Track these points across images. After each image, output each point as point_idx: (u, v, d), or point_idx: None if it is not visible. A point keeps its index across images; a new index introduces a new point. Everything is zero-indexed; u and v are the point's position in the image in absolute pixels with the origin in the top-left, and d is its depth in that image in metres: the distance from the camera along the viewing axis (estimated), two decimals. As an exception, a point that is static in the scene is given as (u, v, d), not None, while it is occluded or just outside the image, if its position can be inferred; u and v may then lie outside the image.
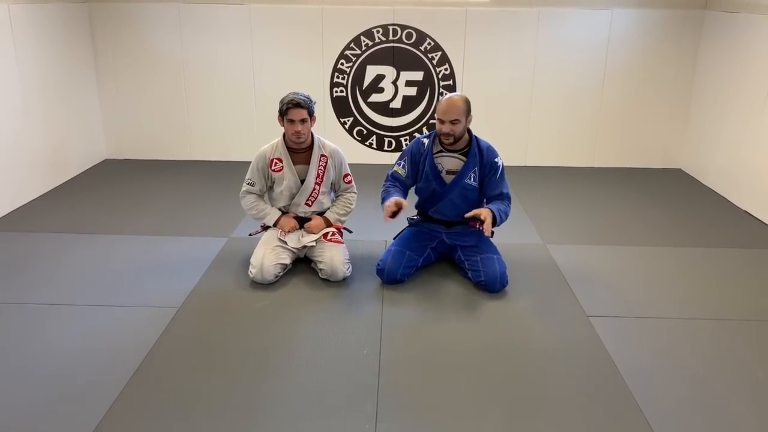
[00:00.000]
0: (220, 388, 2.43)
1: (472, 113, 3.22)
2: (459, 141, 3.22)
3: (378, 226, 3.97)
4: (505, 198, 3.31)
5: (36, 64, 4.62)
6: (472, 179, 3.26)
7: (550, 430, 2.24)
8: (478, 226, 3.11)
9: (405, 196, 3.36)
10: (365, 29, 5.34)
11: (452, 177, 3.28)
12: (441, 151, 3.29)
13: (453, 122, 3.11)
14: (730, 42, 4.88)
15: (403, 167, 3.35)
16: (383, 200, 3.26)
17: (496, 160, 3.27)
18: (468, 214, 3.13)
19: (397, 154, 5.56)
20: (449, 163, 3.29)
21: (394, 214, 3.08)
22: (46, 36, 4.74)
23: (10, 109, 4.35)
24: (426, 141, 3.31)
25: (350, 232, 3.64)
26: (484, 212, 3.08)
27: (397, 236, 3.52)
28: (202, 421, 2.25)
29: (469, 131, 3.27)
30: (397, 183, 3.36)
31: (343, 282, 3.32)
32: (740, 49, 4.73)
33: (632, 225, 4.26)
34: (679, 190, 5.08)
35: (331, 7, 5.28)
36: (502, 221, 3.24)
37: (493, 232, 3.48)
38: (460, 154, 3.27)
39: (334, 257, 3.29)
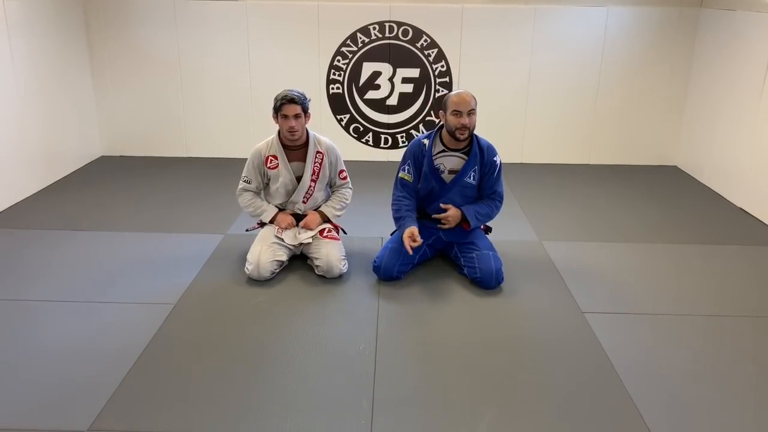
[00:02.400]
0: (216, 385, 2.43)
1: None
2: (470, 137, 3.23)
3: (374, 223, 3.98)
4: (497, 197, 3.34)
5: (31, 60, 4.61)
6: (471, 178, 3.28)
7: (545, 425, 2.25)
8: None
9: (415, 202, 3.39)
10: (361, 26, 5.34)
11: (453, 176, 3.29)
12: (443, 151, 3.29)
13: (470, 113, 3.13)
14: (725, 39, 4.90)
15: (408, 172, 3.35)
16: (397, 219, 3.34)
17: (495, 158, 3.28)
18: (438, 216, 3.28)
19: (394, 152, 5.63)
20: (451, 162, 3.29)
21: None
22: (41, 33, 4.72)
23: (5, 106, 4.34)
24: (426, 141, 3.30)
25: (345, 233, 3.63)
26: (451, 212, 3.25)
27: (393, 233, 3.53)
28: (198, 418, 2.25)
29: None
30: (406, 193, 3.36)
31: (339, 278, 3.32)
32: (736, 46, 4.75)
33: (628, 222, 4.28)
34: (674, 187, 5.09)
35: (328, 4, 5.28)
36: (479, 222, 3.31)
37: (490, 229, 3.52)
38: (462, 153, 3.28)
39: (330, 254, 3.29)
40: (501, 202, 3.37)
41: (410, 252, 3.15)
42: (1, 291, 3.16)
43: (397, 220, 3.36)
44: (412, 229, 3.19)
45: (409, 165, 3.35)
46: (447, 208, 3.26)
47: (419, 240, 3.17)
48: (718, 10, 5.01)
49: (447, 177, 3.31)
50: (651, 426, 2.24)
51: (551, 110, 5.55)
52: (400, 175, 3.39)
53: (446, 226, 3.29)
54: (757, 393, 2.45)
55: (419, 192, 3.40)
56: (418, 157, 3.33)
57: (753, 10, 4.54)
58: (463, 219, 3.29)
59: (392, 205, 3.39)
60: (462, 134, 3.16)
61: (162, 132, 5.65)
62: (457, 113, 3.12)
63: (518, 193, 4.81)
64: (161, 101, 5.54)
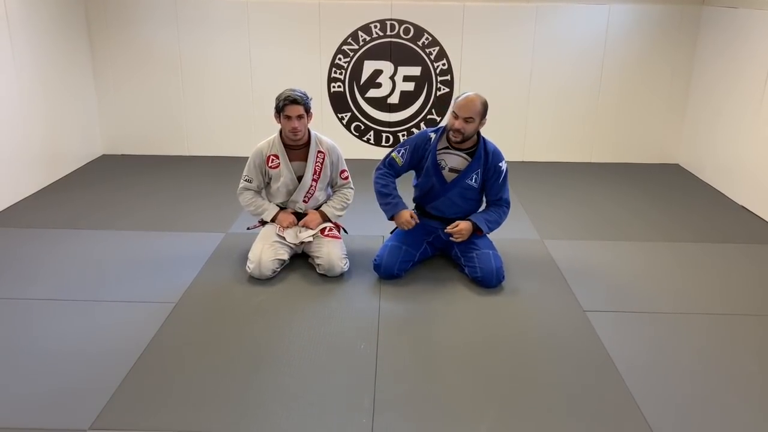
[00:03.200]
0: (217, 383, 2.43)
1: (487, 117, 3.21)
2: (467, 141, 3.20)
3: (375, 222, 3.97)
4: (503, 204, 3.33)
5: (33, 59, 4.61)
6: (473, 180, 3.26)
7: (547, 424, 2.24)
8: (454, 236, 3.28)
9: (395, 182, 3.40)
10: (363, 24, 5.33)
11: (454, 175, 3.28)
12: (446, 148, 3.28)
13: (467, 120, 3.09)
14: (727, 37, 4.88)
15: (401, 156, 3.33)
16: (384, 195, 3.32)
17: (500, 164, 3.26)
18: (448, 229, 3.25)
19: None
20: (454, 161, 3.28)
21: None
22: (42, 31, 4.72)
23: (6, 104, 4.34)
24: (433, 136, 3.29)
25: (346, 232, 3.63)
26: (462, 225, 3.22)
27: (393, 231, 3.52)
28: (199, 416, 2.25)
29: (478, 133, 3.26)
30: (391, 171, 3.36)
31: (340, 277, 3.32)
32: (738, 44, 4.73)
33: (629, 220, 4.27)
34: (676, 186, 5.08)
35: (329, 2, 5.27)
36: (490, 230, 3.31)
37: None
38: (467, 153, 3.27)
39: (331, 252, 3.29)
40: (508, 208, 3.36)
41: (413, 224, 3.22)
42: (2, 289, 3.17)
43: (384, 195, 3.32)
44: (410, 212, 3.27)
45: (405, 150, 3.32)
46: (456, 224, 3.23)
47: (416, 219, 3.25)
48: (720, 7, 5.00)
49: (448, 175, 3.29)
50: (652, 425, 2.23)
51: (553, 108, 5.55)
52: (392, 155, 3.35)
53: (459, 240, 3.25)
54: (759, 392, 2.45)
55: (420, 187, 3.39)
56: (420, 149, 3.31)
57: (755, 8, 4.53)
58: (475, 228, 3.28)
59: (377, 178, 3.36)
60: (455, 137, 3.15)
61: (163, 131, 5.65)
62: (455, 115, 3.12)
63: (519, 191, 4.81)
64: (162, 100, 5.54)
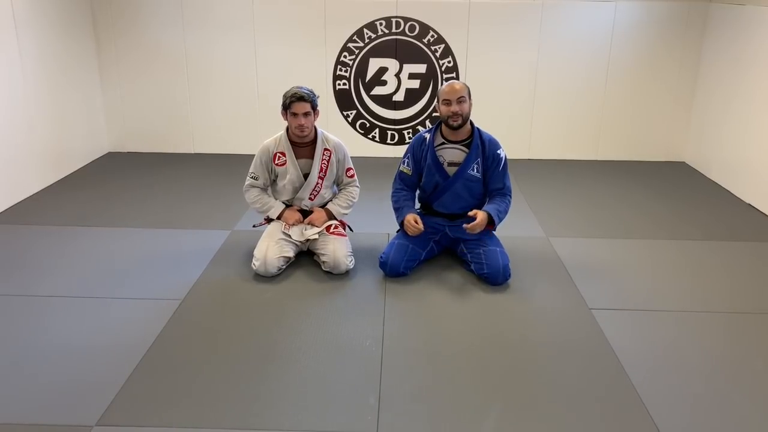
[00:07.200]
0: (223, 381, 2.44)
1: (474, 104, 3.26)
2: (464, 125, 3.22)
3: (381, 219, 3.98)
4: (506, 191, 3.35)
5: (39, 57, 4.62)
6: (475, 170, 3.27)
7: (552, 422, 2.24)
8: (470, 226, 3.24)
9: (415, 195, 3.47)
10: (368, 21, 5.33)
11: (455, 169, 3.29)
12: (443, 144, 3.30)
13: (460, 100, 3.14)
14: (734, 34, 4.86)
15: (408, 165, 3.39)
16: (396, 210, 3.42)
17: (498, 151, 3.28)
18: (468, 222, 3.23)
19: (400, 147, 5.62)
20: (451, 154, 3.29)
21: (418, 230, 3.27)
22: (49, 29, 4.73)
23: (13, 101, 4.35)
24: (427, 135, 3.33)
25: (351, 230, 3.63)
26: (479, 215, 3.20)
27: (399, 230, 3.53)
28: (205, 413, 2.26)
29: (471, 123, 3.27)
30: (405, 185, 3.43)
31: (345, 275, 3.33)
32: (745, 41, 4.71)
33: (635, 218, 4.26)
34: (682, 183, 5.07)
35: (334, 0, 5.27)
36: (500, 221, 3.31)
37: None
38: (463, 145, 3.28)
39: (337, 250, 3.29)
40: (511, 197, 3.38)
41: (417, 231, 3.23)
42: (9, 287, 3.18)
43: (396, 210, 3.42)
44: (414, 215, 3.28)
45: (408, 159, 3.39)
46: (474, 215, 3.20)
47: (421, 225, 3.24)
48: (727, 4, 4.97)
49: (449, 170, 3.32)
50: (658, 423, 2.23)
51: (559, 106, 5.53)
52: (400, 168, 3.44)
53: (476, 231, 3.21)
54: (765, 390, 2.44)
55: (425, 187, 3.41)
56: (418, 152, 3.35)
57: (762, 5, 4.50)
58: (489, 220, 3.26)
59: (392, 197, 3.46)
60: (455, 121, 3.18)
61: (169, 128, 5.66)
62: (447, 102, 3.16)
63: (525, 189, 4.80)
64: (168, 97, 5.55)
